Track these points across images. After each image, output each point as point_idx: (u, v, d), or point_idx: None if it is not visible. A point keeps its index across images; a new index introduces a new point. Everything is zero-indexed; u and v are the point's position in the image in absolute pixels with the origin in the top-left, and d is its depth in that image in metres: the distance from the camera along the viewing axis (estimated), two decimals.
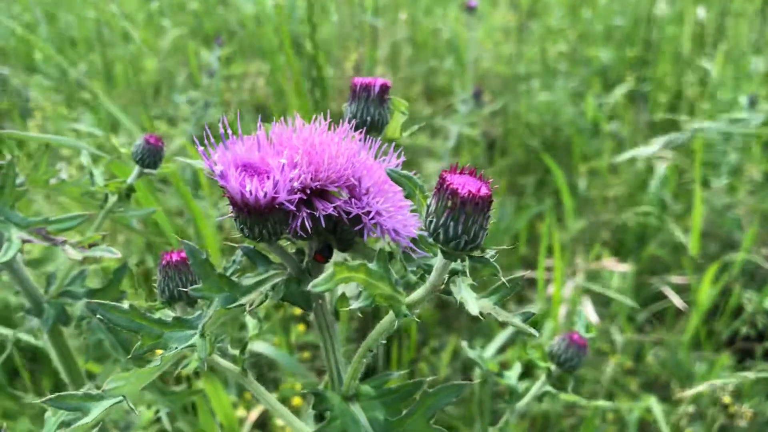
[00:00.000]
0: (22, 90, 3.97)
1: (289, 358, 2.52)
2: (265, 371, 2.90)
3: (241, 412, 2.56)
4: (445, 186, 0.83)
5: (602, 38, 5.58)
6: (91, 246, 1.35)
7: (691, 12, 4.82)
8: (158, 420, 2.17)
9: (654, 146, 1.77)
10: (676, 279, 3.39)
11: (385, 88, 1.20)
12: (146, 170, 1.57)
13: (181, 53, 5.15)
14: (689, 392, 2.35)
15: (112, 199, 1.57)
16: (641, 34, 5.19)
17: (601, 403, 1.68)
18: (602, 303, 3.34)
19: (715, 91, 4.43)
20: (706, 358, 2.97)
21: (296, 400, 2.61)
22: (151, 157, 1.55)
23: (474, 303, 0.82)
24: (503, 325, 2.92)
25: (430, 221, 0.84)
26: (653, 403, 2.63)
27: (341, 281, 0.84)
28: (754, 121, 1.64)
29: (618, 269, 3.32)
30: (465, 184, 0.82)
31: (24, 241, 1.31)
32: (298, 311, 2.91)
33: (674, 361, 2.99)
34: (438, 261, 0.89)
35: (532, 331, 0.84)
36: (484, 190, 0.82)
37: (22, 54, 4.90)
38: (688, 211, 3.72)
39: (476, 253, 0.87)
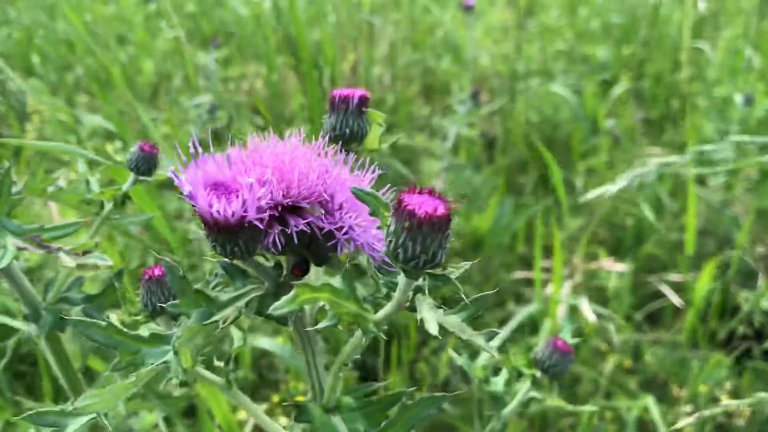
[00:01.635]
0: (20, 93, 3.98)
1: (297, 357, 2.53)
2: (264, 373, 2.92)
3: (242, 415, 2.58)
4: (402, 207, 0.83)
5: (600, 36, 5.59)
6: (84, 253, 1.36)
7: (690, 6, 4.82)
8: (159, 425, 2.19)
9: (619, 183, 1.79)
10: (673, 277, 3.40)
11: (363, 100, 1.21)
12: (141, 177, 1.60)
13: (179, 55, 5.16)
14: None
15: (108, 206, 1.59)
16: (639, 31, 5.19)
17: (587, 407, 1.69)
18: (600, 302, 3.35)
19: (711, 89, 4.44)
20: (704, 357, 2.98)
21: (300, 399, 2.62)
22: (145, 164, 1.58)
23: (434, 322, 0.83)
24: (503, 324, 2.95)
25: (390, 241, 0.85)
26: (650, 402, 2.64)
27: (305, 302, 0.85)
28: (722, 154, 1.66)
29: (615, 268, 3.33)
30: (422, 205, 0.83)
31: (19, 249, 1.32)
32: None
33: (672, 360, 3.00)
34: (401, 280, 0.90)
35: (493, 352, 0.85)
36: (441, 210, 0.82)
37: (20, 57, 4.92)
38: (686, 209, 3.73)
39: (438, 271, 0.88)
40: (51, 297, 1.61)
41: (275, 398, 2.64)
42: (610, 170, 4.17)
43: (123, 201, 1.58)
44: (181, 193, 0.95)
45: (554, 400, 1.47)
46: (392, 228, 0.85)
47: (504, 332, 2.85)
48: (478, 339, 0.86)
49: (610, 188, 1.70)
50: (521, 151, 4.45)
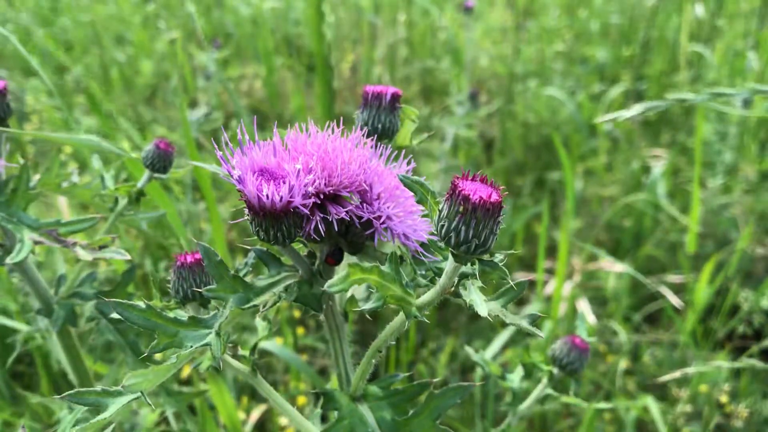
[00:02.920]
0: (19, 94, 3.98)
1: (298, 357, 2.54)
2: (263, 373, 2.91)
3: (240, 414, 2.58)
4: (457, 192, 0.85)
5: (599, 37, 5.61)
6: (101, 248, 1.36)
7: (688, 10, 4.85)
8: (161, 422, 2.19)
9: (632, 110, 1.79)
10: (672, 278, 3.41)
11: (396, 97, 1.24)
12: (156, 175, 1.60)
13: (177, 56, 5.16)
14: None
15: (123, 202, 1.59)
16: (637, 32, 5.22)
17: (603, 405, 1.70)
18: (599, 302, 3.37)
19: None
20: (702, 357, 2.99)
21: (301, 399, 2.63)
22: (161, 162, 1.58)
23: (483, 306, 0.84)
24: (504, 325, 2.96)
25: (442, 225, 0.86)
26: (650, 402, 2.65)
27: (355, 282, 0.86)
28: (739, 96, 1.65)
29: (614, 269, 3.34)
30: (476, 191, 0.85)
31: (36, 243, 1.32)
32: (297, 314, 2.93)
33: (671, 361, 3.01)
34: (448, 264, 0.91)
35: (539, 333, 0.86)
36: (494, 197, 0.85)
37: (19, 57, 4.90)
38: (684, 211, 3.75)
39: (486, 257, 0.89)
40: (63, 291, 1.61)
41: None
42: (609, 172, 4.19)
43: (138, 197, 1.58)
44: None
45: (570, 398, 1.48)
46: (444, 212, 0.87)
47: (505, 335, 2.86)
48: (521, 322, 0.87)
49: (622, 113, 1.70)
50: (519, 152, 4.46)
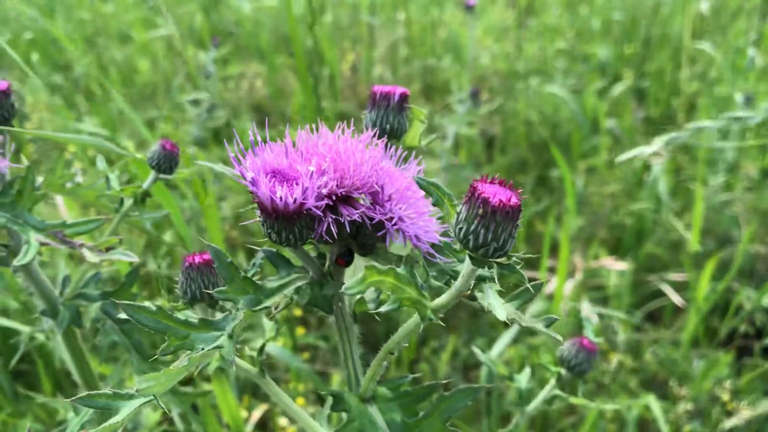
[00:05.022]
0: (18, 93, 3.96)
1: (297, 359, 2.54)
2: (264, 372, 2.91)
3: (242, 413, 2.58)
4: (476, 194, 0.85)
5: (600, 35, 5.60)
6: (108, 249, 1.36)
7: (692, 6, 4.84)
8: (163, 421, 2.19)
9: (654, 145, 1.79)
10: (674, 276, 3.41)
11: (404, 97, 1.23)
12: (162, 175, 1.59)
13: (177, 54, 5.15)
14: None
15: (128, 202, 1.59)
16: (640, 29, 5.21)
17: (609, 405, 1.70)
18: (600, 301, 3.37)
19: (711, 88, 4.45)
20: (704, 355, 2.99)
21: (299, 401, 2.63)
22: (167, 162, 1.58)
23: (502, 309, 0.84)
24: (506, 325, 2.96)
25: (460, 228, 0.86)
26: (652, 401, 2.65)
27: (372, 284, 0.86)
28: (754, 120, 1.66)
29: (616, 267, 3.34)
30: (496, 194, 0.85)
31: (42, 244, 1.32)
32: (298, 313, 2.93)
33: (673, 359, 3.01)
34: (465, 267, 0.91)
35: (557, 336, 0.86)
36: (514, 200, 0.85)
37: (20, 55, 4.88)
38: (686, 209, 3.75)
39: (503, 260, 0.89)
40: (68, 292, 1.61)
41: None
42: (611, 170, 4.18)
43: (143, 198, 1.58)
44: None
45: (578, 399, 1.48)
46: (463, 215, 0.86)
47: (509, 334, 2.86)
48: (538, 324, 0.87)
49: (644, 149, 1.71)
50: (521, 150, 4.46)
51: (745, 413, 2.69)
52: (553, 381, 1.52)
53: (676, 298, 3.20)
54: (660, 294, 3.36)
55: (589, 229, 3.83)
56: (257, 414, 2.62)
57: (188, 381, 2.66)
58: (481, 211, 0.84)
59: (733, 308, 3.13)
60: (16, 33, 5.04)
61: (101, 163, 1.56)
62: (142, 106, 4.55)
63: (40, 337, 2.04)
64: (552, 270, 3.46)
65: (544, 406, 1.51)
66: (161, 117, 4.29)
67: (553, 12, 6.01)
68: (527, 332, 3.12)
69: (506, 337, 2.82)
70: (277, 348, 2.52)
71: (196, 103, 4.21)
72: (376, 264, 0.85)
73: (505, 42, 5.46)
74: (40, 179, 1.47)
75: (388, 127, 1.21)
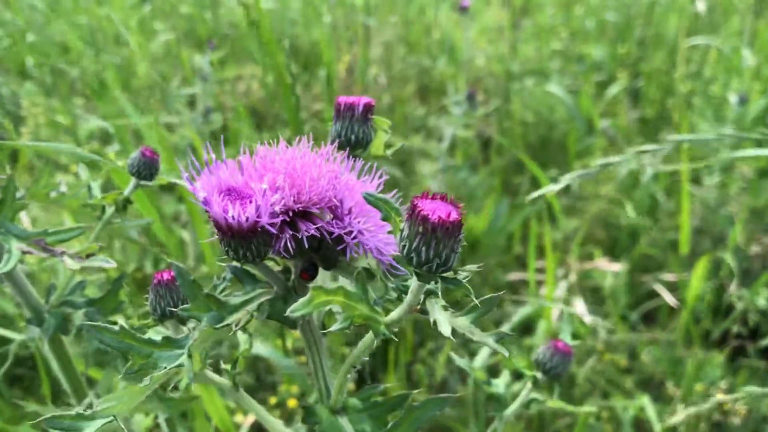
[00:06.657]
0: (14, 97, 3.98)
1: (287, 360, 2.55)
2: (262, 375, 2.92)
3: (239, 417, 2.59)
4: (416, 212, 0.85)
5: (595, 35, 5.60)
6: (88, 256, 1.37)
7: (686, 6, 4.84)
8: (156, 427, 2.20)
9: (561, 183, 1.80)
10: (668, 277, 3.42)
11: (368, 107, 1.23)
12: (142, 182, 1.60)
13: (174, 57, 5.16)
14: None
15: (110, 210, 1.60)
16: (634, 29, 5.21)
17: (587, 408, 1.70)
18: (595, 302, 3.37)
19: (706, 87, 4.46)
20: (698, 356, 3.00)
21: (292, 402, 2.64)
22: (147, 169, 1.58)
23: (446, 324, 0.85)
24: (498, 325, 2.97)
25: (404, 246, 0.87)
26: (646, 402, 2.66)
27: (320, 306, 0.86)
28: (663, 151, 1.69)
29: (611, 268, 3.34)
30: (435, 210, 0.85)
31: (24, 253, 1.33)
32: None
33: (668, 360, 3.01)
34: (413, 283, 0.92)
35: (504, 351, 0.87)
36: (453, 216, 0.84)
37: (14, 60, 4.90)
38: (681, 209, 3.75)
39: (449, 275, 0.89)
40: (54, 300, 1.62)
41: (273, 400, 2.66)
42: (605, 170, 4.17)
43: (125, 205, 1.59)
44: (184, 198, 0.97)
45: (555, 402, 1.49)
46: (405, 233, 0.87)
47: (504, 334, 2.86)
48: (488, 340, 0.87)
49: (552, 187, 1.71)
50: (518, 151, 4.46)
51: (741, 412, 2.69)
52: (529, 385, 1.53)
53: (669, 299, 3.21)
54: (656, 294, 3.36)
55: (584, 230, 3.83)
56: (252, 418, 2.62)
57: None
58: (421, 228, 0.84)
59: (724, 308, 3.13)
60: (15, 37, 5.05)
61: (83, 172, 1.57)
62: (140, 109, 4.56)
63: (32, 346, 2.05)
64: (541, 270, 3.46)
65: (522, 410, 1.52)
66: (157, 121, 4.30)
67: (548, 12, 6.02)
68: (522, 333, 3.13)
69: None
70: (267, 349, 2.52)
71: (191, 106, 4.22)
72: (324, 285, 0.86)
73: (500, 43, 5.46)
74: (22, 191, 1.48)
75: (353, 137, 1.22)
